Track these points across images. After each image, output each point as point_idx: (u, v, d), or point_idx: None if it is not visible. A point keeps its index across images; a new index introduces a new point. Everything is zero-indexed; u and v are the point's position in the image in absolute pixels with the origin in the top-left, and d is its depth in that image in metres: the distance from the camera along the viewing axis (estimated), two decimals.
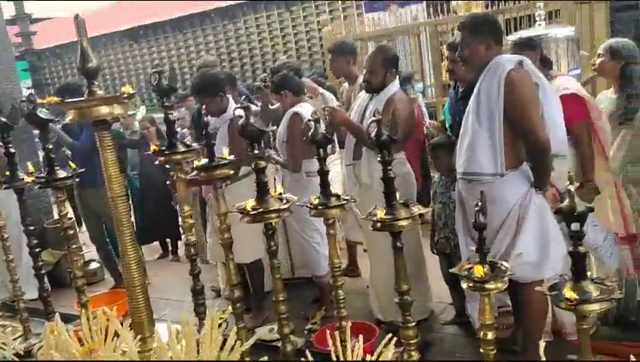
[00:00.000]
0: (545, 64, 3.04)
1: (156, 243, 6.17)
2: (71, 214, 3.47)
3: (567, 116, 2.88)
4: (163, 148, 2.34)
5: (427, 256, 3.55)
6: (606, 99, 3.23)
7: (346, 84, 4.17)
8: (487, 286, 1.68)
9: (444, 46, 4.05)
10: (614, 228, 3.07)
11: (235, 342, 1.81)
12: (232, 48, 16.66)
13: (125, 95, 2.16)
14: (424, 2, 8.77)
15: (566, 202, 1.56)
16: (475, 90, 2.59)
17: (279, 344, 2.22)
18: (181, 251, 5.68)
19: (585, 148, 2.93)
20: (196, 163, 2.30)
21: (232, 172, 2.32)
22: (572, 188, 1.54)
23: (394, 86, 3.32)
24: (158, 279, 4.98)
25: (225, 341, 1.82)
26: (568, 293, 1.52)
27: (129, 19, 17.73)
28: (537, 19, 5.19)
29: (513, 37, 4.77)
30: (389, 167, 1.89)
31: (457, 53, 2.72)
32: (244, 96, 3.38)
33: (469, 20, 2.69)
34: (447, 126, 3.55)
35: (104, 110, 2.14)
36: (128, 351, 1.81)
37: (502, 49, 2.69)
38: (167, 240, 6.10)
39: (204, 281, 2.50)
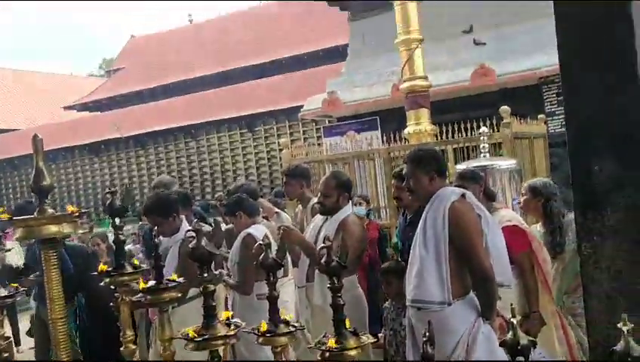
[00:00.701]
0: (488, 196, 3.21)
1: None
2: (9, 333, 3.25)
3: (510, 247, 3.01)
4: (109, 269, 2.29)
5: None
6: (537, 233, 3.41)
7: (300, 206, 4.25)
8: None
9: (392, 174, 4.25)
10: (562, 357, 3.09)
11: None
12: (192, 165, 16.92)
13: (75, 214, 2.16)
14: (379, 130, 9.31)
15: (509, 335, 1.58)
16: (422, 219, 2.70)
17: None
18: None
19: (528, 279, 3.02)
20: (142, 284, 2.24)
21: (179, 295, 2.26)
22: (515, 320, 1.57)
23: (346, 209, 3.42)
24: None
25: None
26: None
27: (91, 132, 17.95)
28: (482, 150, 5.55)
29: (460, 166, 5.06)
30: (339, 294, 1.89)
31: (404, 183, 2.86)
32: (195, 220, 3.38)
33: (415, 154, 2.87)
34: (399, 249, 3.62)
35: (53, 229, 2.12)
36: None
37: (446, 181, 2.84)
38: None
39: None
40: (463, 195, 2.70)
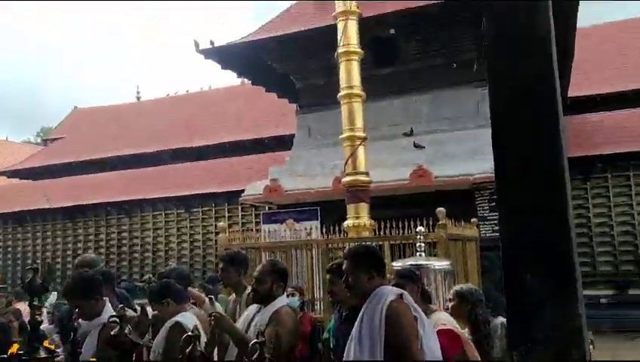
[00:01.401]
0: (425, 297, 3.24)
1: None
2: None
3: (444, 350, 3.00)
4: (21, 351, 2.11)
5: None
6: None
7: (233, 295, 4.12)
8: None
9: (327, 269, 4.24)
10: None
11: None
12: (123, 242, 16.28)
13: None
14: (319, 221, 9.38)
15: None
16: (359, 317, 2.67)
17: None
18: None
19: None
20: None
21: None
22: None
23: (281, 300, 3.34)
24: None
25: None
26: None
27: (18, 200, 17.10)
28: (418, 249, 5.66)
29: (397, 264, 5.11)
30: None
31: (342, 279, 2.85)
32: (120, 305, 3.16)
33: (355, 250, 2.88)
34: (330, 346, 3.53)
35: None
36: None
37: (384, 279, 2.85)
38: None
39: None
40: (401, 295, 2.70)
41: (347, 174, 7.40)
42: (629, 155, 11.40)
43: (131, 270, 15.90)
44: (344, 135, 7.43)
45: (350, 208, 7.38)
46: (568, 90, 11.87)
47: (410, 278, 3.22)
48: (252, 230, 11.27)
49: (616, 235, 11.64)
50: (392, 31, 10.12)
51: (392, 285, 2.98)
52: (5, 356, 2.08)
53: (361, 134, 7.37)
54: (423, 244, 5.73)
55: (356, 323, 2.68)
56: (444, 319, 3.20)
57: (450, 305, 3.51)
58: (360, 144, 7.33)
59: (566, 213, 2.41)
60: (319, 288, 7.14)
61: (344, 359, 2.71)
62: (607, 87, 13.14)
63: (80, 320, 3.14)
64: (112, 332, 1.96)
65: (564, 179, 2.46)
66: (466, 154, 9.36)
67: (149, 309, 3.69)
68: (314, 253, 7.26)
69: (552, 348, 2.21)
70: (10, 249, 17.22)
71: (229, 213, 15.20)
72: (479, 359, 3.22)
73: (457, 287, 3.62)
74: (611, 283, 11.03)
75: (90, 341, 3.16)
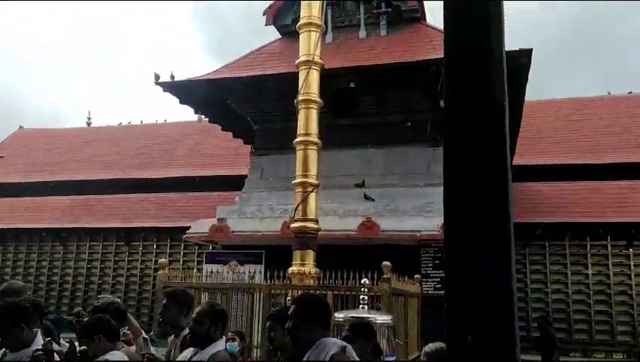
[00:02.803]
0: (376, 352, 3.19)
1: None
2: None
3: None
4: None
5: None
6: None
7: (171, 337, 3.95)
8: None
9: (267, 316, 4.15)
10: None
11: None
12: (54, 271, 15.53)
13: None
14: (263, 264, 9.26)
15: None
16: None
17: None
18: None
19: None
20: None
21: None
22: None
23: (219, 344, 3.22)
24: None
25: None
26: None
27: None
28: (362, 301, 5.64)
29: (339, 315, 5.05)
30: None
31: (285, 326, 2.80)
32: (48, 339, 2.96)
33: (301, 298, 2.84)
34: None
35: None
36: None
37: (329, 331, 2.81)
38: None
39: None
40: (344, 348, 2.66)
41: (296, 220, 7.38)
42: (566, 225, 11.93)
43: (60, 301, 15.09)
44: (297, 180, 7.44)
45: (296, 254, 7.32)
46: (513, 159, 12.42)
47: (363, 332, 3.17)
48: (193, 269, 10.98)
49: (551, 302, 11.99)
50: (352, 84, 10.37)
51: (343, 337, 2.93)
52: None
53: (314, 181, 7.41)
54: (366, 297, 5.73)
55: None
56: None
57: None
58: (312, 191, 7.35)
59: (509, 275, 2.47)
60: (259, 333, 6.98)
61: None
62: (549, 158, 13.82)
63: (5, 350, 2.93)
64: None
65: (510, 241, 2.53)
66: (415, 211, 9.53)
67: (76, 344, 3.48)
68: (256, 297, 7.12)
69: None
70: None
71: (171, 249, 14.80)
72: None
73: (427, 347, 3.54)
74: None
75: None
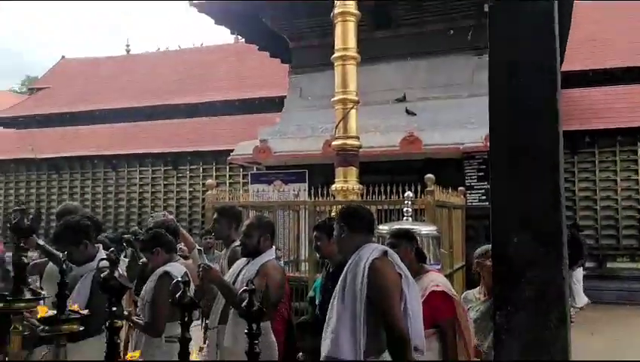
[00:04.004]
0: (419, 257, 3.26)
1: None
2: None
3: (435, 311, 3.05)
4: (6, 293, 2.10)
5: None
6: (473, 298, 3.47)
7: (224, 250, 4.16)
8: None
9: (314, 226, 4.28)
10: None
11: None
12: (108, 196, 16.22)
13: None
14: (307, 183, 9.38)
15: None
16: (343, 274, 2.71)
17: None
18: None
19: (449, 344, 3.05)
20: (42, 313, 2.06)
21: (80, 328, 2.09)
22: None
23: (269, 253, 3.39)
24: None
25: None
26: None
27: (4, 149, 16.85)
28: (405, 214, 5.70)
29: (385, 227, 5.14)
30: (256, 341, 1.81)
31: (329, 236, 2.90)
32: (112, 249, 3.21)
33: (345, 208, 2.91)
34: (316, 303, 3.58)
35: None
36: None
37: (371, 237, 2.88)
38: None
39: None
40: (385, 253, 2.73)
41: (337, 137, 7.37)
42: (616, 131, 11.52)
43: (116, 225, 15.88)
44: (336, 98, 7.35)
45: (339, 172, 7.38)
46: (562, 65, 11.85)
47: (406, 238, 3.23)
48: (239, 190, 11.26)
49: (599, 210, 11.84)
50: None
51: (387, 244, 3.00)
52: None
53: (354, 97, 7.31)
54: (410, 210, 5.77)
55: (340, 279, 2.71)
56: (439, 280, 3.22)
57: (488, 262, 3.44)
58: (352, 107, 7.27)
59: (557, 182, 2.44)
60: (305, 248, 7.20)
61: (328, 315, 2.74)
62: (599, 62, 13.12)
63: (70, 265, 3.17)
64: (102, 275, 1.95)
65: (558, 149, 2.48)
66: (458, 123, 9.33)
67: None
68: (301, 214, 7.29)
69: (535, 309, 2.26)
70: None
71: (216, 171, 15.17)
72: (470, 325, 3.26)
73: (477, 251, 3.60)
74: (591, 256, 11.26)
75: (82, 286, 3.19)
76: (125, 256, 3.79)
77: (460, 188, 8.51)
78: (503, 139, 2.50)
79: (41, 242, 3.39)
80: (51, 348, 2.22)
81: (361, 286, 2.60)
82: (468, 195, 9.04)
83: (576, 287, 9.40)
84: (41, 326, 2.15)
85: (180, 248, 4.41)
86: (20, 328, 2.12)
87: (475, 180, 9.24)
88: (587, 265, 10.66)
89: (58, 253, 3.35)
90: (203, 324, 3.93)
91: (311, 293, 3.96)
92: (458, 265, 7.55)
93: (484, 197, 8.95)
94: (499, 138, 2.54)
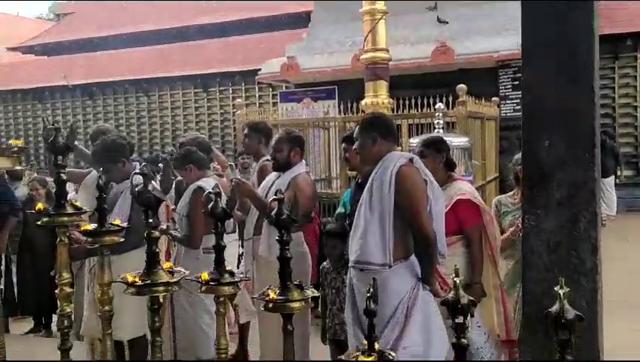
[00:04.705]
0: (449, 166, 3.25)
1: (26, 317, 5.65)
2: None
3: (462, 218, 3.07)
4: (49, 208, 2.20)
5: (317, 346, 3.50)
6: (508, 203, 3.46)
7: (254, 165, 4.24)
8: None
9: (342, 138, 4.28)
10: (497, 330, 3.19)
11: None
12: (142, 121, 16.44)
13: (14, 147, 2.05)
14: (336, 99, 9.29)
15: (451, 294, 1.60)
16: (369, 182, 2.73)
17: None
18: (54, 326, 5.18)
19: (475, 251, 3.09)
20: (85, 226, 2.17)
21: (121, 239, 2.20)
22: (458, 280, 1.60)
23: (299, 167, 3.43)
24: (23, 356, 4.46)
25: None
26: None
27: (35, 77, 17.07)
28: (437, 126, 5.62)
29: (415, 140, 5.10)
30: (287, 247, 1.88)
31: (353, 146, 2.89)
32: (144, 163, 3.32)
33: (366, 117, 2.87)
34: (346, 215, 3.65)
35: None
36: None
37: (395, 145, 2.87)
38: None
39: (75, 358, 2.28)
40: (411, 160, 2.73)
41: (366, 51, 7.18)
42: None
43: (152, 148, 16.19)
44: (364, 8, 7.10)
45: (368, 86, 7.25)
46: None
47: (435, 147, 3.21)
48: (269, 110, 11.24)
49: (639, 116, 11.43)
50: None
51: (416, 153, 2.99)
52: (32, 211, 2.17)
53: (382, 8, 7.04)
54: (441, 121, 5.69)
55: (366, 187, 2.73)
56: (465, 188, 3.22)
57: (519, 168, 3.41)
58: (380, 18, 7.02)
59: (591, 80, 2.35)
60: (336, 166, 7.25)
61: (354, 223, 2.80)
62: None
63: (111, 183, 3.29)
64: (136, 188, 2.02)
65: (592, 46, 2.37)
66: (492, 30, 8.94)
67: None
68: (331, 131, 7.27)
69: (565, 211, 2.26)
70: (30, 126, 17.52)
71: (246, 92, 15.10)
72: (497, 233, 3.29)
73: (515, 156, 3.55)
74: (629, 164, 11.01)
75: (122, 202, 3.32)
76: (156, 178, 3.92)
77: (494, 98, 8.29)
78: (536, 35, 2.41)
79: (76, 143, 3.50)
80: (97, 259, 2.35)
81: (388, 193, 2.62)
82: (502, 106, 8.82)
83: (609, 195, 9.22)
84: (86, 239, 2.28)
85: (214, 167, 4.50)
86: (65, 240, 2.24)
87: (510, 90, 8.96)
88: (625, 173, 10.45)
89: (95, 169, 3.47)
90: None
91: (339, 210, 4.03)
92: (491, 177, 7.50)
93: (518, 107, 8.72)
94: (532, 34, 2.44)
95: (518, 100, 8.83)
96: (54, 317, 5.28)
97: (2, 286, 5.49)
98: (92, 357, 3.86)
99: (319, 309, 3.64)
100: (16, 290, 5.59)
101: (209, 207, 2.03)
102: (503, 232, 3.40)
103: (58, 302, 2.26)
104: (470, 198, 3.12)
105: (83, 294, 3.84)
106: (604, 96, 11.05)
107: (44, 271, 4.84)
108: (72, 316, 2.43)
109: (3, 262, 5.50)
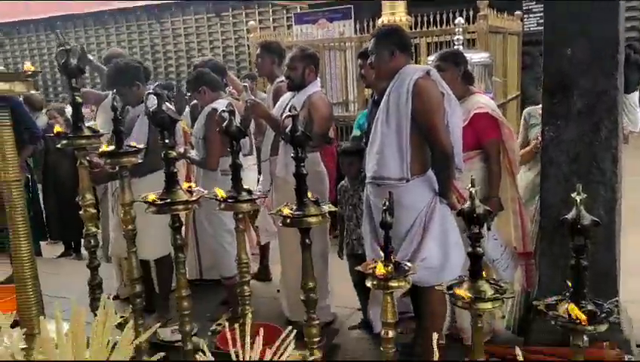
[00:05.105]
0: (467, 80, 3.16)
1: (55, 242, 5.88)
2: None
3: (480, 132, 3.02)
4: (67, 131, 2.23)
5: (336, 262, 3.59)
6: (536, 114, 3.37)
7: (269, 86, 4.20)
8: (390, 284, 1.70)
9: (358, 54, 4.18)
10: (515, 243, 3.22)
11: (130, 338, 1.70)
12: (156, 48, 16.24)
13: (28, 72, 2.04)
14: (352, 19, 8.99)
15: (467, 204, 1.61)
16: (385, 95, 2.68)
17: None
18: (84, 250, 5.40)
19: (493, 165, 3.06)
20: (102, 148, 2.19)
21: (139, 160, 2.22)
22: (474, 190, 1.59)
23: (314, 85, 3.38)
24: (57, 278, 4.68)
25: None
26: (464, 292, 1.57)
27: (46, 6, 16.78)
28: (456, 42, 5.45)
29: (432, 57, 4.96)
30: (302, 164, 1.88)
31: (368, 60, 2.82)
32: (157, 83, 3.31)
33: (379, 30, 2.79)
34: (362, 137, 3.63)
35: (3, 86, 2.03)
36: (10, 347, 1.65)
37: (410, 59, 2.79)
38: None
39: (104, 279, 2.39)
40: (428, 72, 2.67)
41: None
42: None
43: (167, 77, 16.08)
44: None
45: (385, 5, 7.00)
46: None
47: (453, 61, 3.11)
48: (284, 33, 10.96)
49: None
50: None
51: (434, 67, 2.91)
52: (51, 134, 2.19)
53: None
54: (461, 37, 5.51)
55: (382, 102, 2.69)
56: (484, 102, 3.14)
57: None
58: None
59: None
60: (353, 88, 7.14)
61: (371, 138, 2.78)
62: None
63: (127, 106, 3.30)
64: (150, 109, 2.02)
65: None
66: None
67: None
68: (347, 52, 7.10)
69: (588, 118, 2.21)
70: (45, 57, 17.46)
71: (259, 15, 14.72)
72: (516, 146, 3.24)
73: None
74: None
75: (139, 126, 3.34)
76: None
77: (517, 12, 7.95)
78: None
79: (91, 57, 3.49)
80: (118, 181, 2.39)
81: (405, 106, 2.58)
82: (525, 20, 8.45)
83: (632, 110, 8.95)
84: (105, 161, 2.31)
85: (229, 91, 4.47)
86: (85, 163, 2.28)
87: (534, 2, 8.56)
88: None
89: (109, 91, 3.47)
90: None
91: (355, 132, 3.99)
92: (512, 95, 7.33)
93: (542, 21, 8.37)
94: None
95: (542, 14, 8.45)
96: (83, 242, 5.49)
97: (32, 213, 5.69)
98: (120, 277, 4.03)
99: (337, 231, 3.69)
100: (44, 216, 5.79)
101: (223, 125, 2.03)
102: (528, 144, 3.35)
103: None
104: (488, 112, 3.05)
105: (108, 218, 3.97)
106: (630, 8, 10.51)
107: (69, 197, 4.98)
108: (100, 239, 2.52)
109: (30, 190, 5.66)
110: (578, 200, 1.44)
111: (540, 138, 2.84)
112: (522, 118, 3.54)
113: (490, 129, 3.05)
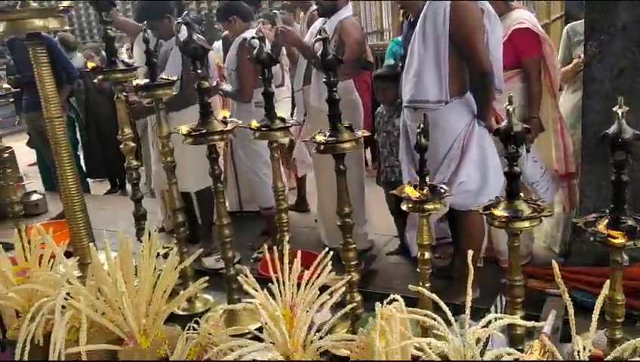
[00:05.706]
0: None
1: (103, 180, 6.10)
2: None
3: (520, 49, 2.90)
4: (102, 66, 2.25)
5: (373, 191, 3.60)
6: (580, 31, 3.20)
7: (301, 15, 4.13)
8: (425, 206, 1.69)
9: None
10: (556, 165, 3.15)
11: (175, 264, 1.78)
12: None
13: (61, 8, 2.05)
14: None
15: (504, 123, 1.57)
16: (421, 16, 2.58)
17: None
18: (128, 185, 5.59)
19: (534, 84, 2.95)
20: (135, 82, 2.21)
21: (174, 93, 2.24)
22: (511, 108, 1.55)
23: (345, 10, 3.30)
24: (104, 212, 4.87)
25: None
26: (500, 211, 1.56)
27: None
28: None
29: None
30: (335, 89, 1.86)
31: None
32: (186, 12, 3.28)
33: None
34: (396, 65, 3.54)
35: (37, 23, 2.04)
36: (66, 275, 1.76)
37: None
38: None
39: (149, 214, 2.47)
40: None
41: None
42: None
43: (199, 13, 15.86)
44: None
45: None
46: None
47: None
48: None
49: None
50: None
51: None
52: (87, 69, 2.22)
53: None
54: None
55: (418, 23, 2.60)
56: (524, 17, 2.99)
57: None
58: None
59: None
60: (388, 15, 6.95)
61: (407, 62, 2.71)
62: None
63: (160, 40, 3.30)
64: (181, 40, 2.01)
65: None
66: None
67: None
68: None
69: (633, 32, 2.08)
70: None
71: None
72: (558, 63, 3.11)
73: None
74: None
75: (172, 59, 3.34)
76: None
77: None
78: None
79: None
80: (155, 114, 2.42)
81: (442, 25, 2.49)
82: None
83: None
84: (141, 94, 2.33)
85: (261, 21, 4.39)
86: (122, 97, 2.31)
87: None
88: None
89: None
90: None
91: (388, 60, 3.89)
92: (556, 16, 6.97)
93: None
94: None
95: None
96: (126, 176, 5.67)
97: (79, 153, 5.88)
98: (165, 210, 4.17)
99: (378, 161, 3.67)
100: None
101: (254, 53, 2.01)
102: (571, 62, 3.21)
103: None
104: (529, 27, 2.91)
105: (150, 153, 4.06)
106: None
107: (110, 135, 5.10)
108: (143, 175, 2.58)
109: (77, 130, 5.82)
110: (620, 114, 1.38)
111: (582, 56, 2.71)
112: (564, 33, 3.36)
113: (531, 46, 2.92)
